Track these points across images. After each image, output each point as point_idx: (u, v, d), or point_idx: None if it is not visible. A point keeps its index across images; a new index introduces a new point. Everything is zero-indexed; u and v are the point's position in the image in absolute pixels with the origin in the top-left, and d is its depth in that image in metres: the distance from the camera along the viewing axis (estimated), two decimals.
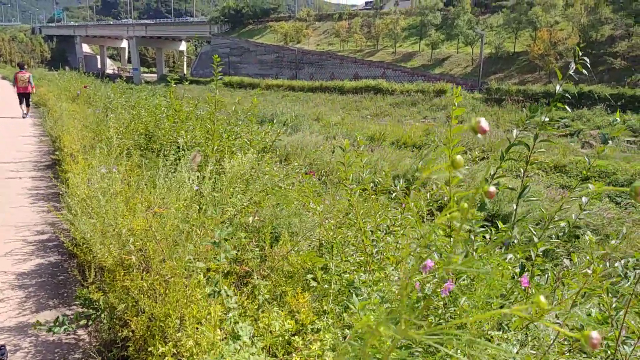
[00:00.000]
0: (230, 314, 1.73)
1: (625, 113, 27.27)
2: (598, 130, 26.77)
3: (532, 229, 2.40)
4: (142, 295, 2.21)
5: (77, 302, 3.31)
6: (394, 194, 3.43)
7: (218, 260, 1.88)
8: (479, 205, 2.56)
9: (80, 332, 3.12)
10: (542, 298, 0.73)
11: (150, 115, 6.33)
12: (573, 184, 16.21)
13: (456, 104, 2.09)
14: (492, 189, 0.80)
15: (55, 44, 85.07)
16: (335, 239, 2.72)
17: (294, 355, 1.68)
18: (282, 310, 2.13)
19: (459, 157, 0.78)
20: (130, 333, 2.29)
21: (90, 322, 2.94)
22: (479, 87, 35.66)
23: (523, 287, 2.14)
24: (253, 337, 1.86)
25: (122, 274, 2.48)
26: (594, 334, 0.71)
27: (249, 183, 2.87)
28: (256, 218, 2.60)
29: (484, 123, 0.78)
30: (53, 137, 9.17)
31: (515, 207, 2.57)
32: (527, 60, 36.04)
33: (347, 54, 48.90)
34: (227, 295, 1.79)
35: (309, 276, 2.55)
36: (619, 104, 28.27)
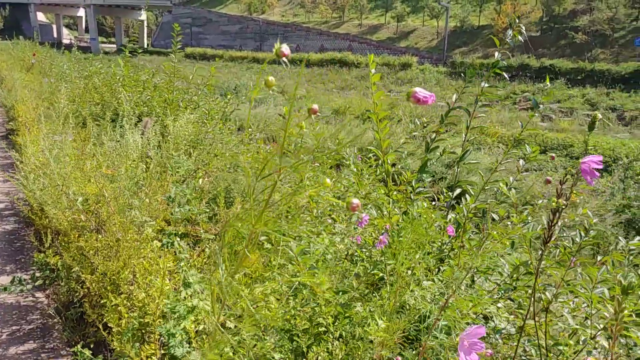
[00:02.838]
0: (182, 264, 1.84)
1: (585, 87, 28.07)
2: (558, 104, 27.53)
3: (470, 189, 2.56)
4: (95, 255, 2.29)
5: (34, 267, 3.35)
6: (348, 162, 3.56)
7: (172, 215, 1.97)
8: (420, 167, 2.71)
9: (38, 294, 3.17)
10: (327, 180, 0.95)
11: (106, 84, 6.25)
12: (529, 157, 16.73)
13: (373, 70, 2.17)
14: (285, 49, 0.99)
15: (7, 12, 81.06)
16: (289, 205, 2.83)
17: (239, 301, 1.80)
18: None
19: (271, 78, 0.98)
20: (86, 290, 2.37)
21: (47, 283, 3.01)
22: (444, 61, 35.98)
23: (450, 236, 2.31)
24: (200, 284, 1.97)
25: (77, 235, 2.54)
26: (355, 200, 0.92)
27: (195, 145, 2.95)
28: (206, 180, 2.68)
29: (285, 48, 0.96)
30: (7, 107, 8.94)
31: (456, 169, 2.72)
32: (491, 33, 36.48)
33: (313, 26, 48.43)
34: (179, 245, 1.89)
35: (262, 238, 2.67)
36: (578, 77, 29.03)
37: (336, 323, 1.77)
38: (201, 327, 1.68)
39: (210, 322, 1.70)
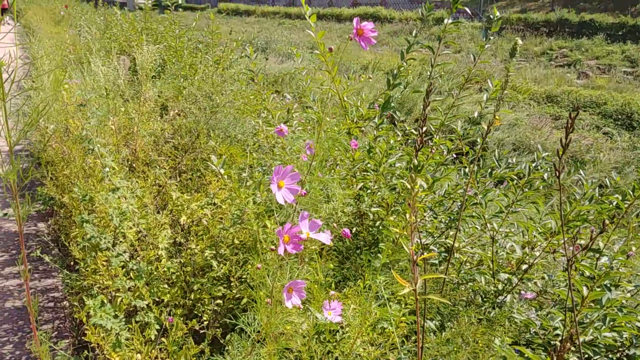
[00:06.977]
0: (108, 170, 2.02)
1: (625, 43, 26.78)
2: (596, 61, 26.45)
3: (432, 124, 2.62)
4: (76, 179, 2.50)
5: (39, 200, 3.62)
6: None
7: (89, 123, 2.14)
8: (382, 104, 2.76)
9: (40, 224, 3.44)
10: None
11: (123, 33, 6.46)
12: (563, 114, 16.33)
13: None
14: None
15: None
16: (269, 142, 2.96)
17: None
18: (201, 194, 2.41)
19: None
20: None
21: (47, 214, 3.26)
22: (480, 16, 34.78)
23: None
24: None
25: (63, 166, 2.76)
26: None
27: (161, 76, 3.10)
28: (176, 112, 2.83)
29: None
30: (34, 59, 9.28)
31: (425, 109, 2.77)
32: None
33: None
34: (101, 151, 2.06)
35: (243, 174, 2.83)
36: (619, 33, 27.71)
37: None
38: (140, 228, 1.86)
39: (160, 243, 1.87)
